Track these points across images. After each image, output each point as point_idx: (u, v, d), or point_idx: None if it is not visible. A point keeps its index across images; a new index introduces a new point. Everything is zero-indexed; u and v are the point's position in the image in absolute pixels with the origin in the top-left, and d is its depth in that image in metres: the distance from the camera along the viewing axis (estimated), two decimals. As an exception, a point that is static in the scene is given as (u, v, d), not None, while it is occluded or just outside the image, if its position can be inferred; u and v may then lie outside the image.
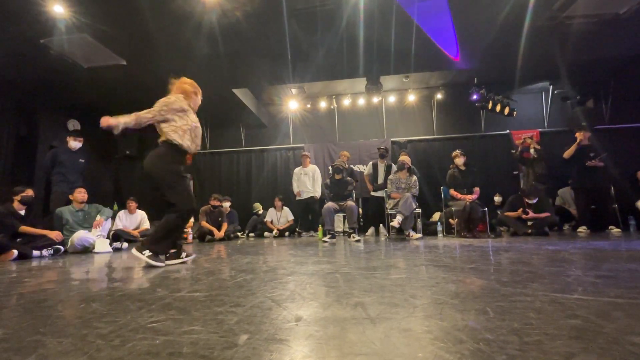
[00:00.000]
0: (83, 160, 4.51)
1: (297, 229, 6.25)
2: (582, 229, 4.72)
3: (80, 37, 4.23)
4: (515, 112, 6.13)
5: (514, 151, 5.97)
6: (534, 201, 4.52)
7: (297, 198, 5.95)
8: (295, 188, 5.96)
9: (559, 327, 0.83)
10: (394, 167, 5.23)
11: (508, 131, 6.56)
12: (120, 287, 1.57)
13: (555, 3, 3.87)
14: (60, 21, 3.89)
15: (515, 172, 6.32)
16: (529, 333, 0.79)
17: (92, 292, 1.46)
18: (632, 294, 1.15)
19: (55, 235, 3.52)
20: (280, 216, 6.20)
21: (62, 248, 3.51)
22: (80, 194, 3.98)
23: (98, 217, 3.89)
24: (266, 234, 6.04)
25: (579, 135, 4.83)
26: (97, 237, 3.69)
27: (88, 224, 3.86)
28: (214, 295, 1.29)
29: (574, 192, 5.09)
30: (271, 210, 6.24)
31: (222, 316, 1.00)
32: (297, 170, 6.05)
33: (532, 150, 5.52)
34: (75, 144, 4.51)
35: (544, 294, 1.18)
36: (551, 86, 6.49)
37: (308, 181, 5.86)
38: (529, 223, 4.48)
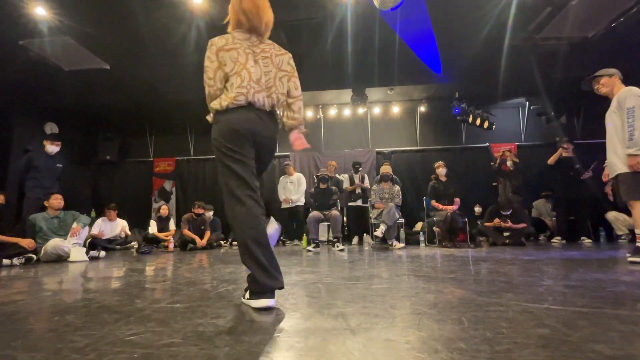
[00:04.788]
0: (60, 165, 4.36)
1: (281, 238, 6.21)
2: (556, 240, 4.91)
3: (62, 40, 4.15)
4: (494, 126, 6.38)
5: (492, 163, 6.18)
6: (508, 212, 4.68)
7: (284, 205, 5.93)
8: (282, 195, 5.95)
9: (528, 336, 0.87)
10: (367, 178, 5.73)
11: (487, 144, 6.80)
12: (96, 298, 1.53)
13: (530, 24, 4.11)
14: (42, 23, 3.81)
15: (494, 184, 6.53)
16: (500, 342, 0.83)
17: (67, 304, 1.42)
18: (597, 303, 1.22)
19: (27, 243, 3.37)
20: (264, 225, 6.15)
21: (34, 257, 3.36)
22: (57, 201, 3.84)
23: (74, 225, 3.75)
24: (250, 242, 5.96)
25: (566, 145, 5.07)
26: (72, 245, 3.55)
27: (63, 232, 3.72)
28: (195, 307, 1.28)
29: (555, 202, 5.30)
30: (255, 219, 6.18)
31: (203, 328, 1.00)
32: (282, 178, 6.05)
33: (509, 163, 5.73)
34: (52, 148, 4.36)
35: (516, 303, 1.23)
36: (527, 102, 6.80)
37: (294, 189, 5.87)
38: (505, 234, 4.62)
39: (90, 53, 4.40)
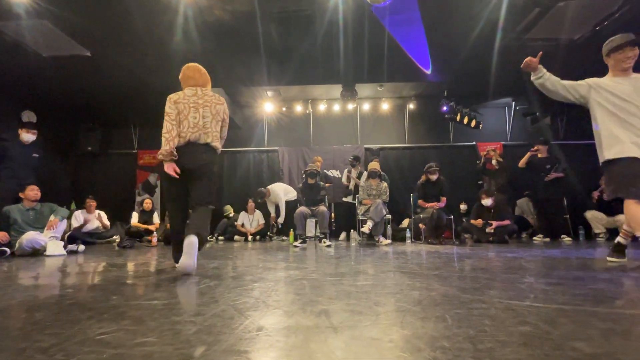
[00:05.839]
0: (36, 155, 4.18)
1: (268, 233, 6.17)
2: (537, 238, 5.04)
3: (40, 24, 3.96)
4: (481, 125, 6.46)
5: (478, 162, 6.27)
6: (490, 203, 4.72)
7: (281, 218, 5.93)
8: (274, 214, 6.04)
9: (510, 334, 0.87)
10: (365, 174, 5.47)
11: (474, 143, 6.89)
12: (70, 294, 1.46)
13: (519, 25, 4.15)
14: (18, 5, 3.62)
15: (480, 182, 6.64)
16: (482, 340, 0.82)
17: (38, 300, 1.35)
18: (577, 300, 1.23)
19: (0, 236, 3.24)
20: (252, 219, 6.10)
21: (7, 250, 3.22)
22: (33, 192, 3.69)
23: (52, 218, 3.62)
24: (236, 237, 5.91)
25: (536, 148, 5.22)
26: (49, 238, 3.42)
27: (40, 225, 3.58)
28: (174, 304, 1.23)
29: (533, 202, 5.45)
30: (243, 213, 6.12)
31: (180, 326, 0.96)
32: (267, 202, 6.06)
33: (494, 162, 5.82)
34: (28, 136, 4.18)
35: (499, 300, 1.24)
36: (514, 102, 6.91)
37: (274, 209, 5.95)
38: (488, 230, 4.66)
39: (69, 39, 4.21)
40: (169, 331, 0.92)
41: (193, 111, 2.22)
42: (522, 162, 5.31)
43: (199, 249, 2.00)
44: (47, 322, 1.02)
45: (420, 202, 4.94)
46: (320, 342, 0.83)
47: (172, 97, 2.25)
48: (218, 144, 2.31)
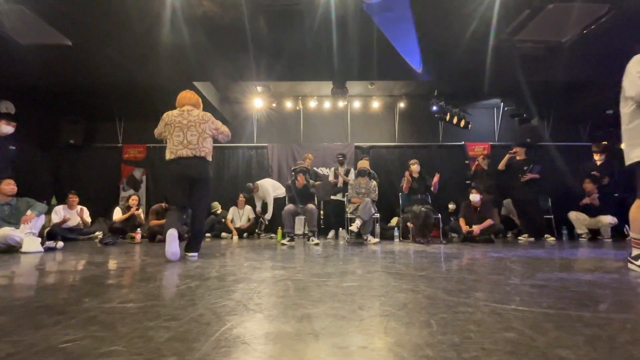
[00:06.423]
0: (13, 148, 4.02)
1: (256, 230, 6.10)
2: (522, 237, 5.12)
3: (17, 10, 3.77)
4: (470, 125, 6.51)
5: (469, 171, 6.26)
6: (477, 199, 4.75)
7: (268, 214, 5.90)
8: (259, 209, 6.00)
9: (495, 341, 0.84)
10: (353, 171, 5.48)
11: (463, 142, 6.95)
12: (39, 295, 1.39)
13: (508, 26, 4.16)
14: (-7, -11, 3.44)
15: (467, 182, 6.70)
16: (467, 348, 0.80)
17: (4, 302, 1.27)
18: (561, 304, 1.23)
19: (-28, 232, 3.09)
20: (242, 214, 6.02)
21: (-20, 247, 3.08)
22: (9, 186, 3.53)
23: (28, 213, 3.47)
24: (223, 234, 5.82)
25: (515, 150, 5.33)
26: (25, 235, 3.29)
27: (15, 220, 3.43)
28: (149, 307, 1.17)
29: (513, 203, 5.55)
30: (232, 209, 6.04)
31: (152, 332, 0.91)
32: (254, 198, 6.04)
33: (484, 163, 5.87)
34: (7, 128, 4.02)
35: (485, 304, 1.22)
36: (502, 103, 6.98)
37: (262, 202, 5.91)
38: (473, 234, 4.67)
39: (49, 26, 4.03)
40: (140, 338, 0.86)
41: (177, 130, 2.62)
42: (501, 165, 5.40)
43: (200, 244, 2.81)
44: (8, 328, 0.95)
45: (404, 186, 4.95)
46: (300, 351, 0.79)
47: (164, 117, 2.73)
48: (207, 156, 2.72)
